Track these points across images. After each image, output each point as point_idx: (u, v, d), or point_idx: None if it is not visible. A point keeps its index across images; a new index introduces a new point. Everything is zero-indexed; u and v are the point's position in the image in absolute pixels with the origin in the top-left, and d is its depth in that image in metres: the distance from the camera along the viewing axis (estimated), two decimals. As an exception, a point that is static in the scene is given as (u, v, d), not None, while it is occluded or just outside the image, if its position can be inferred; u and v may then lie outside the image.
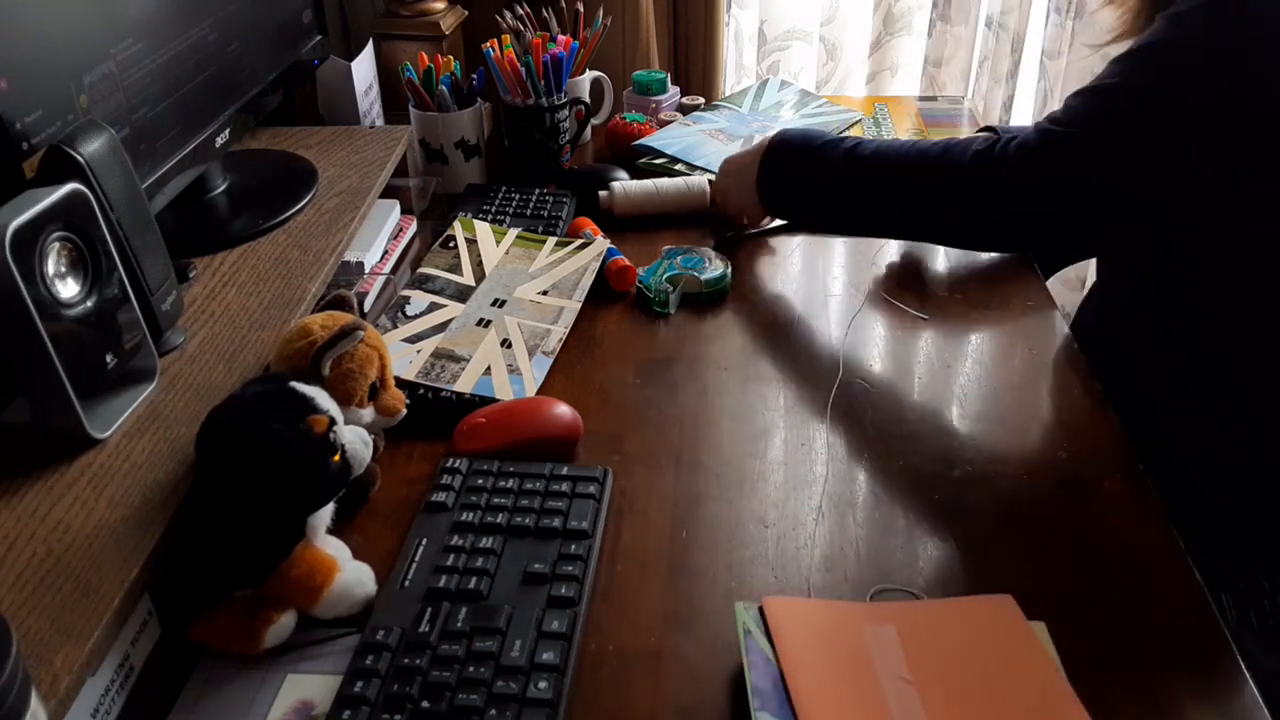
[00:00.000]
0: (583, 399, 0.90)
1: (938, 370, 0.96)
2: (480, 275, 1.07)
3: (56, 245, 0.69)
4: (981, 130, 1.16)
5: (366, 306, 1.05)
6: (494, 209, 1.21)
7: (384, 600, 0.70)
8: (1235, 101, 0.83)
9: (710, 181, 1.23)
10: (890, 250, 1.16)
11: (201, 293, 0.94)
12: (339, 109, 1.32)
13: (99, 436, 0.74)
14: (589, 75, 1.44)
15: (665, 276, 1.06)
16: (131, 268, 0.77)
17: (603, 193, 1.23)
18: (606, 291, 1.07)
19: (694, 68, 1.70)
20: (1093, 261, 1.28)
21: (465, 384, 0.91)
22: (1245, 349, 0.90)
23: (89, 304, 0.72)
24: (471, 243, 1.12)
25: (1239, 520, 0.93)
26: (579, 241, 1.12)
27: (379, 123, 1.40)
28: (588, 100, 1.41)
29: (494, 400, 0.89)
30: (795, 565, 0.74)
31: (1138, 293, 0.99)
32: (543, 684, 0.62)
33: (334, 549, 0.72)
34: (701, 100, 1.53)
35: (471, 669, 0.63)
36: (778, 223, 1.21)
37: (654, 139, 1.37)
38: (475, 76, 1.28)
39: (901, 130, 1.51)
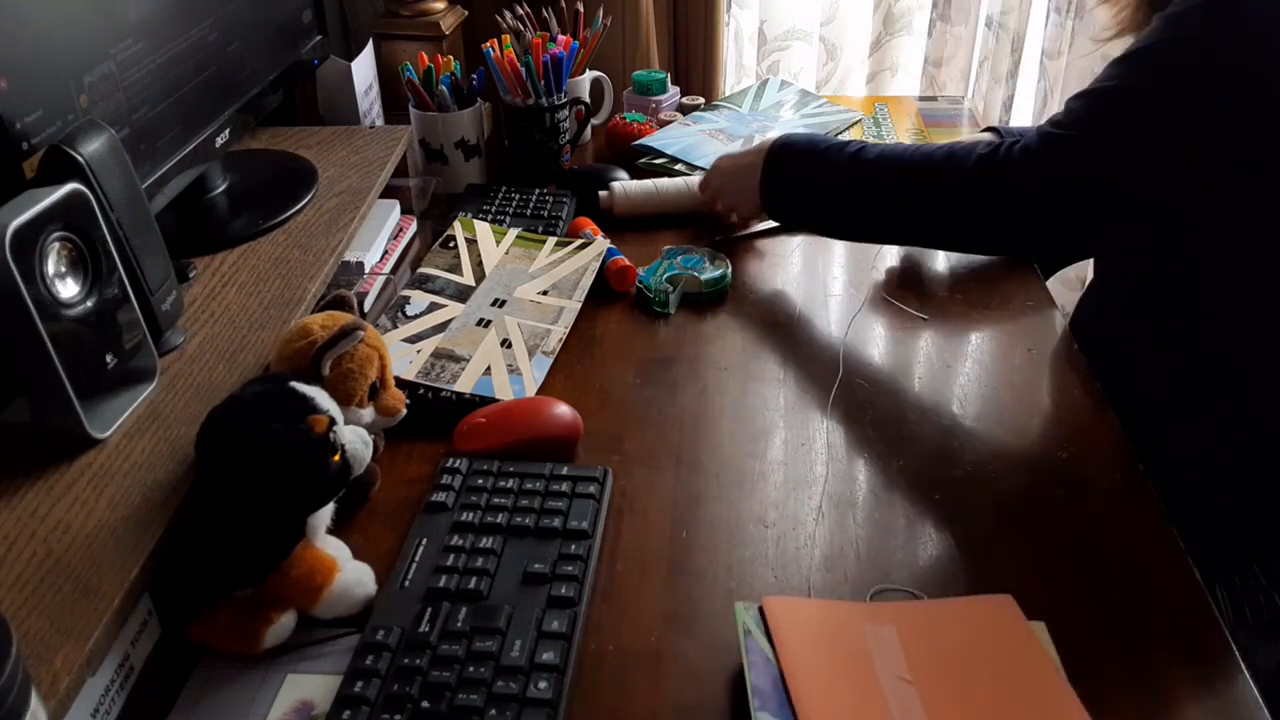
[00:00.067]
0: (583, 399, 0.90)
1: (938, 370, 0.96)
2: (480, 275, 1.07)
3: (56, 245, 0.69)
4: (984, 131, 1.16)
5: (366, 306, 1.05)
6: (494, 209, 1.21)
7: (384, 600, 0.70)
8: (1233, 102, 0.83)
9: (703, 172, 1.22)
10: (890, 251, 1.16)
11: (201, 293, 0.94)
12: (339, 109, 1.32)
13: (99, 436, 0.74)
14: (589, 75, 1.44)
15: (665, 276, 1.07)
16: (131, 268, 0.77)
17: (603, 193, 1.23)
18: (606, 291, 1.07)
19: (694, 68, 1.70)
20: (1092, 261, 1.28)
21: (465, 384, 0.91)
22: (1243, 349, 0.90)
23: (89, 304, 0.72)
24: (471, 243, 1.12)
25: (1238, 520, 0.93)
26: (579, 241, 1.12)
27: (379, 123, 1.40)
28: (588, 100, 1.41)
29: (494, 400, 0.89)
30: (795, 565, 0.74)
31: (1136, 292, 0.99)
32: (543, 684, 0.62)
33: (334, 549, 0.72)
34: (701, 100, 1.53)
35: (471, 669, 0.63)
36: (766, 224, 1.21)
37: (654, 139, 1.37)
38: (475, 76, 1.28)
39: (901, 130, 1.51)
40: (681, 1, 1.64)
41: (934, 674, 0.64)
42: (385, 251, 1.14)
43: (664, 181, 1.25)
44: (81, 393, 0.71)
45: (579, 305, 1.02)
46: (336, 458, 0.69)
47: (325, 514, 0.72)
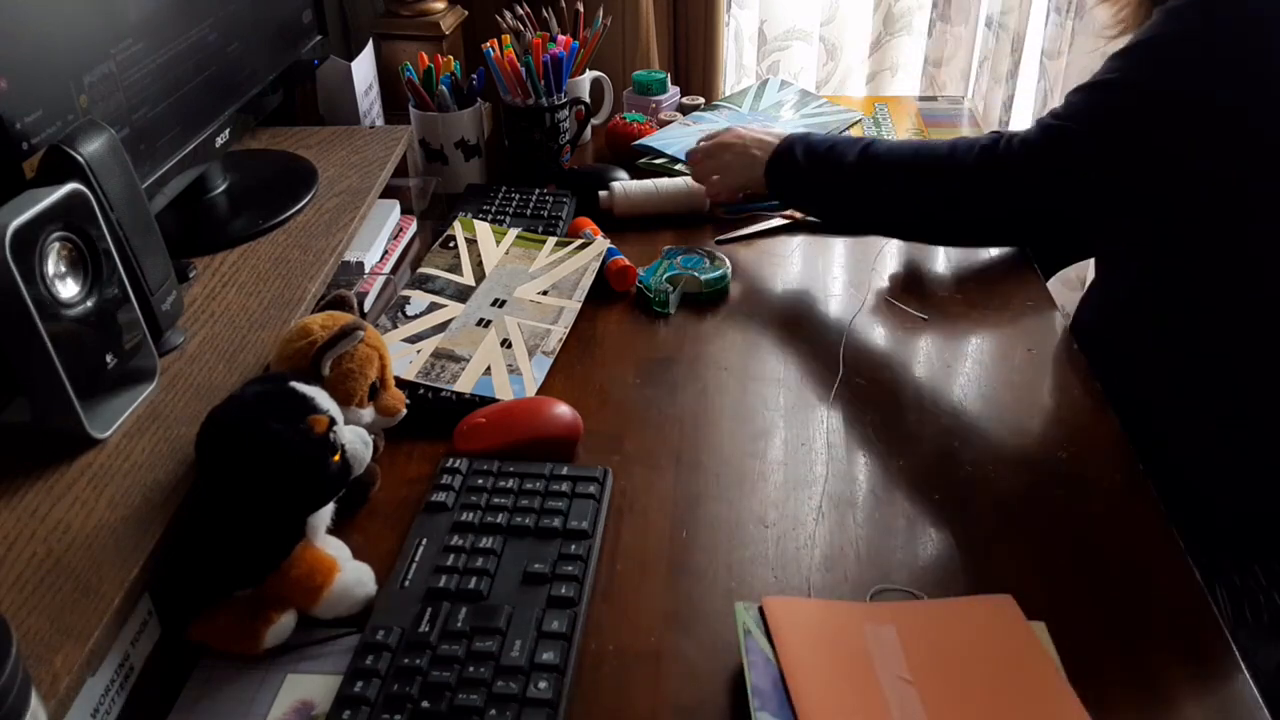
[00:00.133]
0: (583, 399, 0.90)
1: (938, 370, 0.96)
2: (480, 275, 1.07)
3: (56, 245, 0.69)
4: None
5: (366, 306, 1.05)
6: (494, 209, 1.21)
7: (384, 600, 0.70)
8: (1233, 97, 0.83)
9: (702, 143, 1.21)
10: (890, 250, 1.16)
11: (201, 293, 0.94)
12: (339, 109, 1.32)
13: (99, 436, 0.74)
14: (589, 75, 1.44)
15: (665, 276, 1.07)
16: (131, 268, 0.77)
17: (603, 193, 1.23)
18: (606, 291, 1.07)
19: (694, 68, 1.70)
20: (1092, 261, 1.28)
21: (465, 384, 0.91)
22: (1243, 348, 0.90)
23: (89, 304, 0.72)
24: (471, 243, 1.12)
25: (1238, 520, 0.93)
26: (579, 241, 1.12)
27: (379, 123, 1.40)
28: (588, 100, 1.41)
29: (494, 400, 0.89)
30: (795, 565, 0.74)
31: (1136, 292, 0.99)
32: (543, 684, 0.62)
33: (334, 549, 0.72)
34: (701, 100, 1.53)
35: (471, 669, 0.63)
36: (766, 225, 1.21)
37: (654, 139, 1.37)
38: (475, 76, 1.28)
39: (901, 130, 1.51)
40: (681, 1, 1.64)
41: (934, 674, 0.64)
42: (385, 251, 1.14)
43: (664, 181, 1.25)
44: (81, 393, 0.71)
45: (579, 305, 1.02)
46: (336, 458, 0.69)
47: (325, 514, 0.72)
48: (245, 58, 1.06)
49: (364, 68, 1.34)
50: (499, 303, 1.03)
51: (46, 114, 0.74)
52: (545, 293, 1.05)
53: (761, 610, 0.67)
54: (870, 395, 0.92)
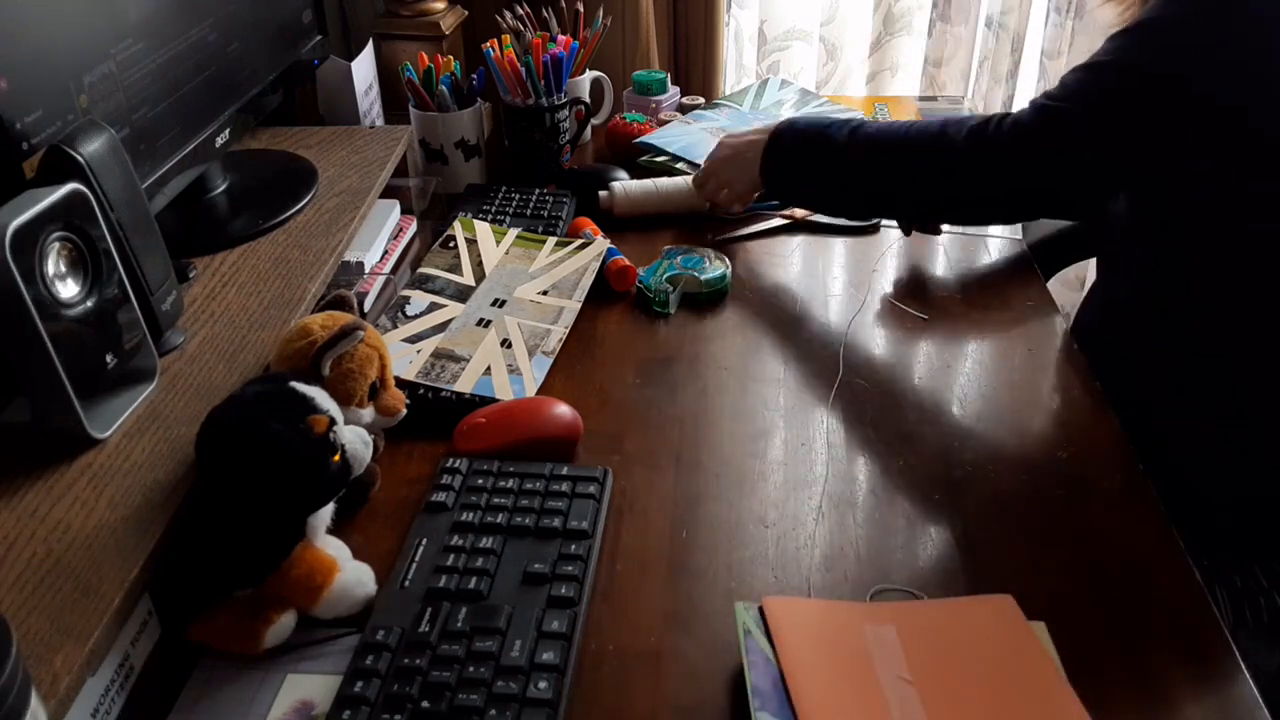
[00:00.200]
0: (583, 399, 0.90)
1: (938, 370, 0.96)
2: (480, 275, 1.07)
3: (56, 245, 0.69)
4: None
5: (366, 306, 1.05)
6: (494, 209, 1.21)
7: (384, 600, 0.70)
8: (1233, 96, 0.82)
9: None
10: (890, 251, 1.16)
11: (201, 293, 0.94)
12: (339, 109, 1.32)
13: (99, 436, 0.74)
14: (589, 75, 1.44)
15: (665, 276, 1.07)
16: (131, 268, 0.77)
17: (603, 193, 1.23)
18: (606, 291, 1.07)
19: (694, 68, 1.70)
20: (1093, 261, 1.28)
21: (465, 384, 0.91)
22: (1243, 348, 0.90)
23: (89, 304, 0.72)
24: (471, 243, 1.12)
25: (1238, 520, 0.93)
26: (579, 241, 1.12)
27: (379, 123, 1.40)
28: (588, 100, 1.41)
29: (494, 400, 0.89)
30: (795, 565, 0.74)
31: (1136, 292, 0.99)
32: (543, 684, 0.62)
33: (334, 549, 0.72)
34: (701, 100, 1.53)
35: (471, 669, 0.63)
36: (766, 225, 1.21)
37: (654, 137, 1.37)
38: (475, 76, 1.28)
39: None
40: (681, 1, 1.64)
41: (934, 674, 0.64)
42: (385, 251, 1.14)
43: (664, 181, 1.25)
44: (81, 393, 0.71)
45: (579, 305, 1.02)
46: (336, 458, 0.69)
47: (325, 514, 0.72)
48: (245, 58, 1.06)
49: (364, 68, 1.34)
50: (499, 303, 1.03)
51: (46, 114, 0.74)
52: (545, 293, 1.05)
53: (761, 610, 0.67)
54: (870, 395, 0.92)
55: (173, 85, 0.92)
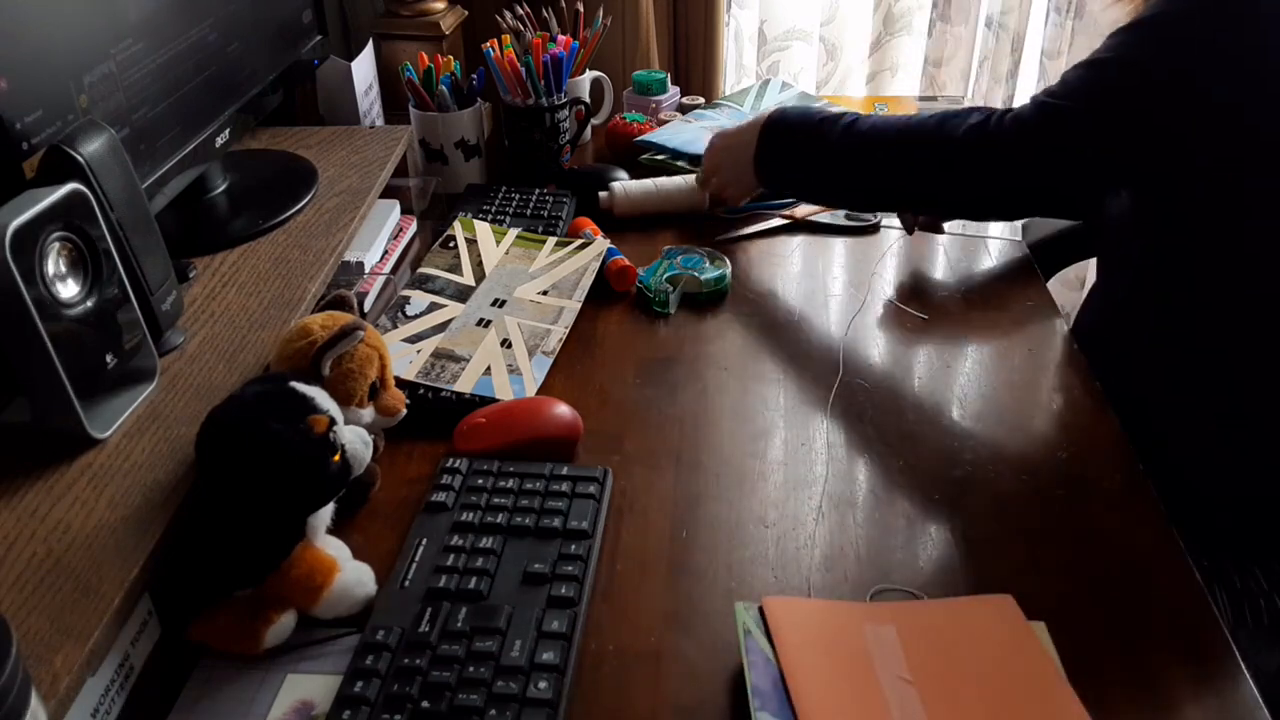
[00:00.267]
0: (583, 399, 0.90)
1: (938, 370, 0.96)
2: (480, 275, 1.07)
3: (56, 245, 0.69)
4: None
5: (366, 306, 1.05)
6: (494, 209, 1.21)
7: (384, 600, 0.70)
8: (1229, 92, 0.82)
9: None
10: (890, 251, 1.16)
11: (201, 293, 0.94)
12: (339, 109, 1.32)
13: (99, 436, 0.74)
14: (589, 75, 1.44)
15: (665, 276, 1.07)
16: (131, 268, 0.77)
17: (603, 193, 1.23)
18: (606, 291, 1.07)
19: (694, 68, 1.70)
20: (1093, 261, 1.28)
21: (465, 384, 0.91)
22: (1242, 347, 0.90)
23: (89, 304, 0.72)
24: (471, 243, 1.12)
25: (1238, 520, 0.93)
26: (579, 241, 1.12)
27: (379, 123, 1.40)
28: (588, 100, 1.41)
29: (494, 400, 0.89)
30: (795, 565, 0.74)
31: (1136, 292, 0.98)
32: (543, 684, 0.62)
33: (334, 549, 0.72)
34: (701, 100, 1.53)
35: (471, 669, 0.63)
36: (766, 225, 1.21)
37: (655, 135, 1.37)
38: (475, 76, 1.28)
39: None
40: (681, 1, 1.64)
41: (934, 674, 0.64)
42: (385, 251, 1.14)
43: (664, 181, 1.25)
44: (81, 393, 0.71)
45: (579, 305, 1.02)
46: (336, 458, 0.69)
47: (325, 514, 0.72)
48: (245, 58, 1.06)
49: (364, 68, 1.34)
50: (499, 303, 1.03)
51: (46, 114, 0.74)
52: (545, 293, 1.05)
53: (761, 610, 0.67)
54: (870, 395, 0.92)
55: (173, 85, 0.92)
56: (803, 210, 1.23)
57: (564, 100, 1.30)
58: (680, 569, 0.74)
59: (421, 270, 1.07)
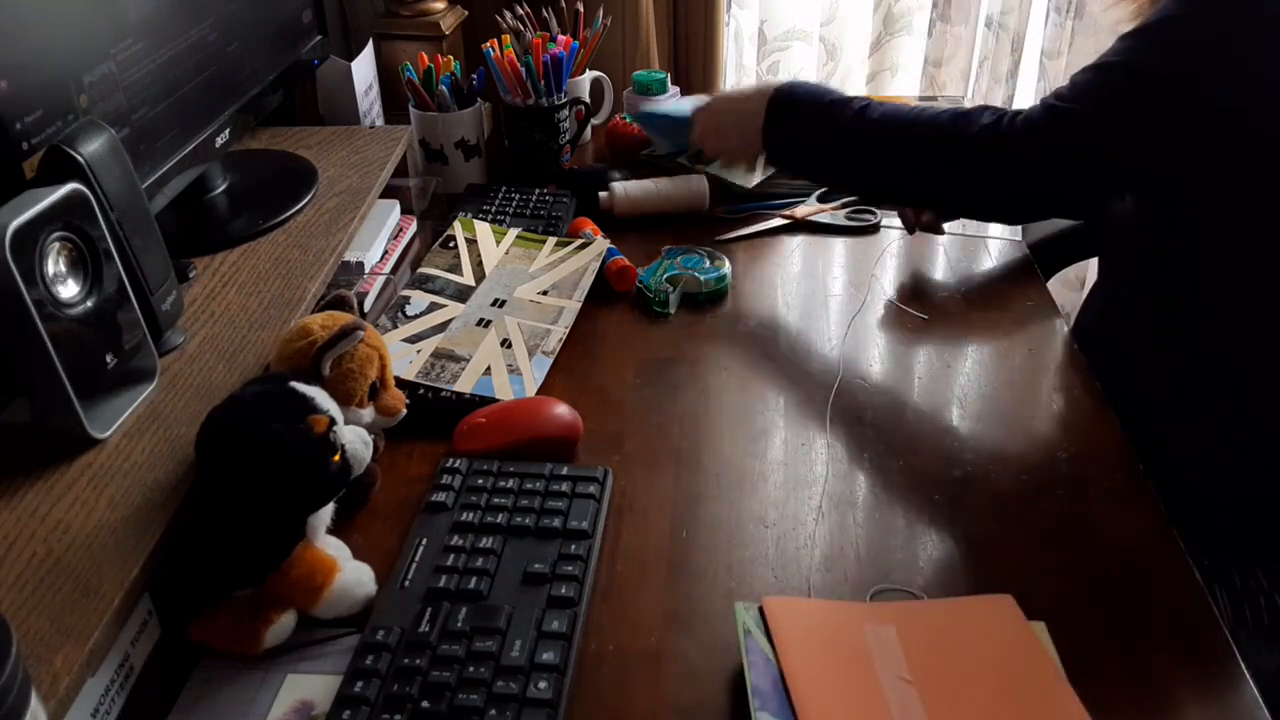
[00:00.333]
0: (583, 399, 0.90)
1: (938, 370, 0.96)
2: (480, 275, 1.07)
3: (56, 245, 0.69)
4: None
5: (366, 306, 1.05)
6: (494, 209, 1.21)
7: (384, 600, 0.70)
8: (1233, 96, 0.82)
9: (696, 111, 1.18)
10: (890, 251, 1.16)
11: (201, 293, 0.94)
12: (339, 109, 1.32)
13: (99, 436, 0.74)
14: (589, 75, 1.44)
15: (665, 276, 1.07)
16: (131, 268, 0.77)
17: (603, 193, 1.23)
18: (606, 291, 1.07)
19: (694, 68, 1.70)
20: (1093, 261, 1.28)
21: (465, 384, 0.91)
22: (1244, 349, 0.90)
23: (89, 304, 0.72)
24: (471, 243, 1.12)
25: (1238, 520, 0.93)
26: (579, 241, 1.12)
27: (379, 123, 1.40)
28: (588, 100, 1.41)
29: (494, 400, 0.89)
30: (795, 565, 0.74)
31: (1136, 292, 0.98)
32: (543, 684, 0.62)
33: (334, 549, 0.72)
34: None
35: (471, 669, 0.63)
36: (766, 225, 1.21)
37: (651, 106, 1.36)
38: (475, 76, 1.28)
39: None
40: (681, 1, 1.64)
41: (934, 674, 0.64)
42: (385, 251, 1.14)
43: (664, 181, 1.25)
44: (81, 393, 0.71)
45: (579, 305, 1.02)
46: (336, 458, 0.69)
47: (325, 514, 0.72)
48: (245, 58, 1.06)
49: (364, 68, 1.34)
50: (499, 303, 1.03)
51: (46, 114, 0.74)
52: (545, 293, 1.05)
53: (761, 610, 0.67)
54: (870, 395, 0.92)
55: (173, 85, 0.92)
56: (803, 210, 1.23)
57: (564, 100, 1.30)
58: (680, 569, 0.74)
59: (421, 270, 1.07)
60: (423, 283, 1.05)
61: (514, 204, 1.22)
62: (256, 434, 0.66)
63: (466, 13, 1.49)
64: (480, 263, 1.09)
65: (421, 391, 0.90)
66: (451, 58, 1.30)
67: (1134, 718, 0.63)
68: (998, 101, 1.73)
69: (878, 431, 0.88)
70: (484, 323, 1.00)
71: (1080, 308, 1.12)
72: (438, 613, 0.67)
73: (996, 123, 0.94)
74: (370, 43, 1.38)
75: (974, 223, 1.20)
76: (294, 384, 0.71)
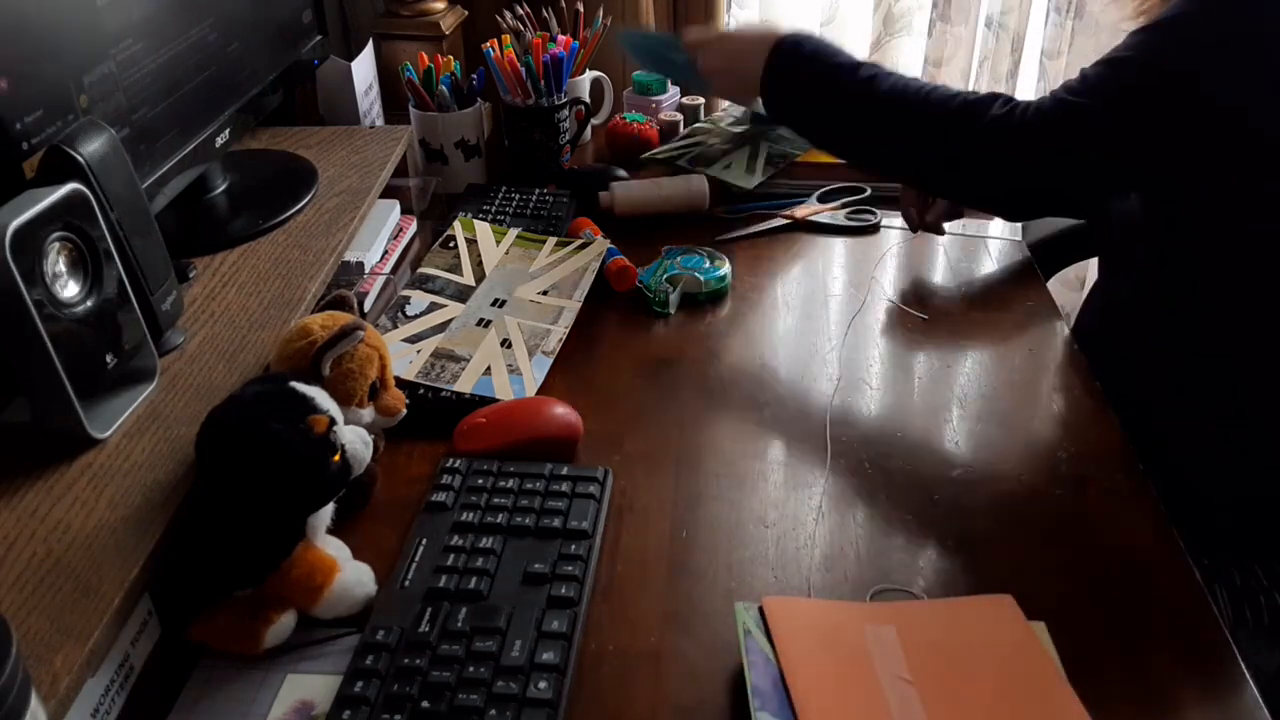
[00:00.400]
0: (583, 399, 0.90)
1: (938, 370, 0.96)
2: (480, 275, 1.07)
3: (56, 245, 0.69)
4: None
5: (366, 306, 1.05)
6: (494, 209, 1.21)
7: (384, 600, 0.70)
8: (1233, 96, 0.82)
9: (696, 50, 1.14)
10: (890, 251, 1.16)
11: (201, 293, 0.94)
12: (339, 109, 1.32)
13: (99, 436, 0.74)
14: (589, 75, 1.44)
15: (665, 276, 1.07)
16: (131, 268, 0.77)
17: (603, 193, 1.23)
18: (606, 291, 1.07)
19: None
20: (1093, 261, 1.27)
21: (465, 384, 0.91)
22: (1244, 349, 0.90)
23: (89, 304, 0.72)
24: (471, 243, 1.12)
25: (1238, 520, 0.93)
26: (579, 241, 1.12)
27: (379, 123, 1.40)
28: (588, 100, 1.41)
29: (494, 400, 0.89)
30: (795, 565, 0.74)
31: (1138, 293, 0.98)
32: (543, 684, 0.62)
33: (334, 549, 0.72)
34: (701, 100, 1.53)
35: (471, 669, 0.63)
36: (766, 225, 1.21)
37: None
38: (475, 76, 1.28)
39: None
40: (681, 1, 1.64)
41: (934, 674, 0.64)
42: (385, 251, 1.14)
43: (664, 181, 1.25)
44: (81, 393, 0.71)
45: (579, 305, 1.02)
46: (336, 458, 0.69)
47: (325, 514, 0.72)
48: (245, 58, 1.06)
49: (364, 68, 1.34)
50: (499, 303, 1.03)
51: (46, 114, 0.74)
52: (545, 293, 1.04)
53: (761, 610, 0.67)
54: (870, 395, 0.92)
55: (173, 85, 0.92)
56: (803, 210, 1.23)
57: (564, 100, 1.30)
58: (680, 569, 0.74)
59: (421, 270, 1.07)
60: (423, 283, 1.05)
61: (514, 204, 1.22)
62: (256, 434, 0.66)
63: (466, 13, 1.49)
64: (480, 263, 1.09)
65: (421, 391, 0.90)
66: (451, 58, 1.30)
67: (1134, 718, 0.63)
68: (998, 101, 1.73)
69: (878, 431, 0.88)
70: (484, 323, 1.00)
71: (1080, 308, 1.12)
72: (438, 613, 0.67)
73: (1008, 115, 0.92)
74: (370, 43, 1.38)
75: (974, 223, 1.20)
76: (294, 384, 0.71)
